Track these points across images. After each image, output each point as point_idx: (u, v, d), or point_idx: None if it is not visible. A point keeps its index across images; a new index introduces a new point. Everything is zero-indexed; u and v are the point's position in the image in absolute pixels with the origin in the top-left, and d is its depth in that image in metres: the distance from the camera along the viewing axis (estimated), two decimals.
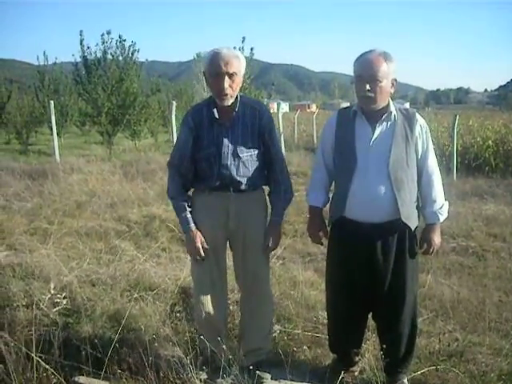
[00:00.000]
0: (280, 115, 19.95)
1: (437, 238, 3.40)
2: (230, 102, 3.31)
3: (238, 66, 3.27)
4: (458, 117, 14.14)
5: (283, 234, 7.05)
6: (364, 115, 3.28)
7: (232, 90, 3.27)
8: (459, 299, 5.00)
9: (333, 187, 3.55)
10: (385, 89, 3.18)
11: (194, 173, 3.47)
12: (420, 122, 3.32)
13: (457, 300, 4.97)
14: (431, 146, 3.36)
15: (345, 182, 3.29)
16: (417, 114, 3.36)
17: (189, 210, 3.44)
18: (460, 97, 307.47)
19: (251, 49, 18.28)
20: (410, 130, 3.27)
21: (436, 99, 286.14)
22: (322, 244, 3.72)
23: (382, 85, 3.14)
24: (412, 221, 3.32)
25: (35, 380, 3.27)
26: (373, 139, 3.24)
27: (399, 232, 3.30)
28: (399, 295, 3.36)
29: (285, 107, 75.61)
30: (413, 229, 3.34)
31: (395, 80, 3.24)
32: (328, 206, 3.57)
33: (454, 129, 13.89)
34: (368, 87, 3.13)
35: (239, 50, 17.61)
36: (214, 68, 3.22)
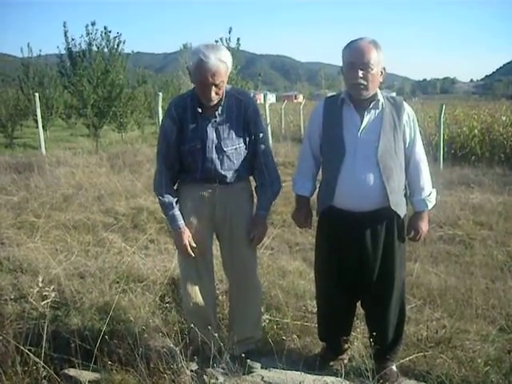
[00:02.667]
0: (267, 106, 19.93)
1: (424, 226, 3.43)
2: (215, 102, 3.28)
3: (226, 73, 3.20)
4: (444, 106, 14.18)
5: (271, 225, 7.11)
6: (352, 103, 3.28)
7: (218, 95, 3.24)
8: (447, 287, 5.04)
9: (319, 177, 3.55)
10: (376, 77, 3.18)
11: (180, 165, 3.43)
12: (407, 110, 3.33)
13: (444, 288, 5.02)
14: (418, 135, 3.38)
15: (333, 171, 3.29)
16: (404, 103, 3.37)
17: (177, 206, 3.40)
18: (446, 87, 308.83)
19: (238, 39, 18.20)
20: (398, 118, 3.28)
21: (422, 89, 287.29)
22: (310, 227, 3.73)
23: (373, 72, 3.14)
24: (401, 208, 3.34)
25: (25, 373, 3.26)
26: (361, 127, 3.24)
27: (388, 220, 3.32)
28: (388, 282, 3.38)
29: (272, 98, 75.43)
30: (402, 216, 3.36)
31: (384, 69, 3.24)
32: (315, 195, 3.57)
33: (440, 118, 13.93)
34: (361, 74, 3.12)
35: (226, 40, 17.54)
36: (201, 78, 3.15)
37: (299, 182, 3.59)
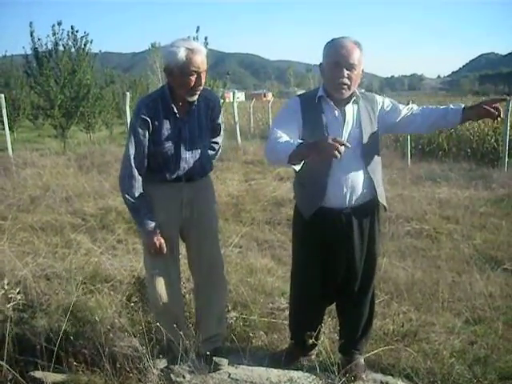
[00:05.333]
0: (235, 104, 19.91)
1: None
2: (198, 94, 3.30)
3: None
4: (411, 102, 14.31)
5: (240, 222, 7.11)
6: (332, 100, 3.22)
7: (204, 83, 3.29)
8: (414, 281, 5.10)
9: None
10: (357, 77, 3.16)
11: (148, 165, 3.39)
12: (378, 100, 3.39)
13: (411, 282, 5.07)
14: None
15: (322, 172, 3.19)
16: (375, 96, 3.41)
17: (149, 208, 3.36)
18: (414, 83, 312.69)
19: (205, 38, 18.08)
20: (373, 112, 3.31)
21: (390, 86, 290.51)
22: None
23: (356, 73, 3.12)
24: (384, 200, 3.40)
25: None
26: (344, 123, 3.22)
27: (372, 212, 3.37)
28: (370, 271, 3.45)
29: (240, 96, 75.30)
30: (387, 207, 3.43)
31: (362, 70, 3.22)
32: (296, 197, 3.49)
33: None
34: (346, 74, 3.08)
35: (194, 39, 17.46)
36: (192, 68, 3.15)
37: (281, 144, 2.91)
